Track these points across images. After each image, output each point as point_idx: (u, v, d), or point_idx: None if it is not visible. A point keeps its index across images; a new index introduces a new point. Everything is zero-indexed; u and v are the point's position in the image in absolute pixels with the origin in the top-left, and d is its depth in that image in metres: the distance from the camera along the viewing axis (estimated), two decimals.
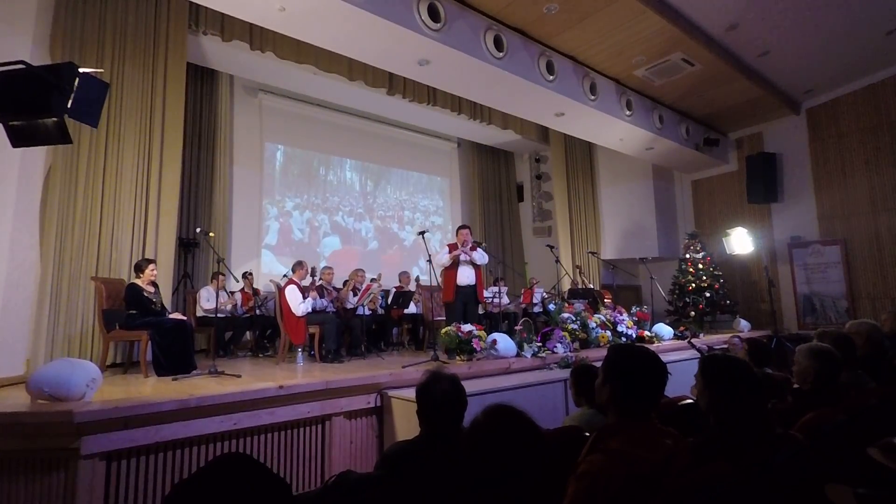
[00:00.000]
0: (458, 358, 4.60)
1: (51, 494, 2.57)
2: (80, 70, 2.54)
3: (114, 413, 2.68)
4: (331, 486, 1.36)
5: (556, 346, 4.99)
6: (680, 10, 5.82)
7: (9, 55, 2.64)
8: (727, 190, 9.46)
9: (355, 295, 6.14)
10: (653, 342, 6.15)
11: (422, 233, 5.39)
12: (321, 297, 5.74)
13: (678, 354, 5.49)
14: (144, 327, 4.26)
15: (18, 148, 2.64)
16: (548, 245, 8.02)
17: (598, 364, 1.71)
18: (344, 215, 9.16)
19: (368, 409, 3.65)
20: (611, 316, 6.17)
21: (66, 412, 2.58)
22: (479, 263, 5.64)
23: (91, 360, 3.95)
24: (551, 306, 6.21)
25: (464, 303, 5.49)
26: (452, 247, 5.63)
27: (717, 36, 6.41)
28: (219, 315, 5.59)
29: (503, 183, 11.51)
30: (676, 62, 6.74)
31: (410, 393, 3.23)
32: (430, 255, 5.20)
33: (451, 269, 5.54)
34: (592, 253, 9.21)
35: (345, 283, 6.60)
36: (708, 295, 8.37)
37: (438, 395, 1.86)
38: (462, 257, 5.54)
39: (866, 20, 6.18)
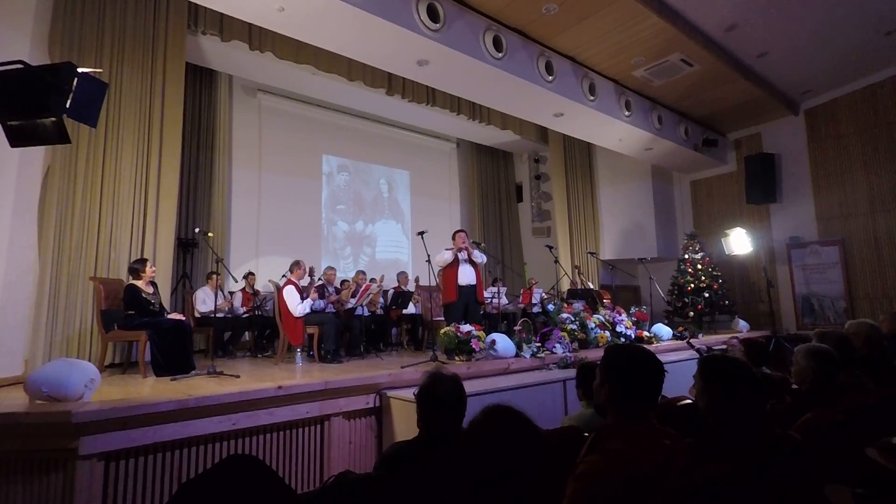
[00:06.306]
0: (457, 358, 4.60)
1: (49, 495, 2.56)
2: (79, 70, 2.54)
3: (112, 413, 2.67)
4: (330, 487, 1.36)
5: (554, 347, 4.99)
6: (679, 10, 5.83)
7: (7, 55, 2.63)
8: (726, 190, 9.47)
9: (355, 297, 6.13)
10: (651, 342, 6.15)
11: (421, 233, 5.39)
12: (321, 297, 5.74)
13: (677, 355, 5.49)
14: (143, 327, 4.25)
15: (17, 148, 2.63)
16: (547, 245, 8.02)
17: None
18: (343, 223, 9.14)
19: (367, 409, 3.65)
20: (610, 316, 6.17)
21: (64, 412, 2.57)
22: (478, 261, 5.66)
23: (89, 361, 3.95)
24: (550, 306, 6.20)
25: (465, 303, 5.49)
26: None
27: (716, 36, 6.42)
28: (217, 315, 5.59)
29: (502, 183, 11.51)
30: (675, 63, 6.75)
31: (409, 393, 3.24)
32: (428, 256, 5.20)
33: (452, 269, 5.54)
34: (591, 253, 9.21)
35: (343, 282, 6.60)
36: (707, 295, 8.38)
37: (440, 396, 1.85)
38: (462, 256, 5.55)
39: (865, 21, 6.20)
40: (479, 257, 5.68)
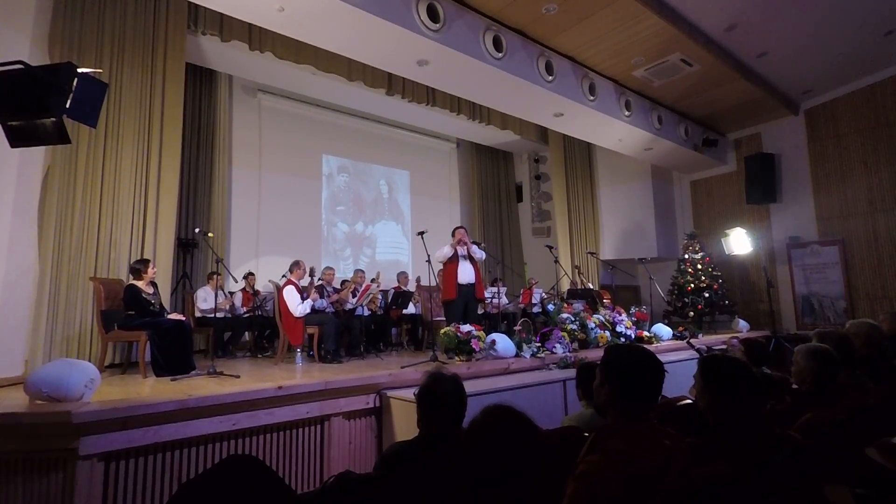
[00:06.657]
0: (456, 358, 4.60)
1: (49, 495, 2.56)
2: (79, 70, 2.54)
3: (112, 413, 2.67)
4: (330, 487, 1.36)
5: (554, 347, 4.99)
6: (678, 10, 5.83)
7: (7, 55, 2.63)
8: (726, 190, 9.47)
9: (354, 296, 6.14)
10: (651, 342, 6.15)
11: (421, 233, 5.39)
12: (321, 297, 5.74)
13: (677, 355, 5.49)
14: (143, 327, 4.25)
15: (17, 148, 2.63)
16: (547, 245, 8.02)
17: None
18: (343, 224, 9.13)
19: (367, 409, 3.65)
20: (610, 316, 6.16)
21: (64, 413, 2.57)
22: (477, 257, 5.67)
23: (89, 361, 3.95)
24: (550, 306, 6.21)
25: (465, 301, 5.50)
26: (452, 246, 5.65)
27: (716, 36, 6.42)
28: (217, 315, 5.59)
29: (502, 183, 11.52)
30: (675, 63, 6.75)
31: (409, 393, 3.24)
32: (428, 256, 5.20)
33: (452, 266, 5.55)
34: (591, 253, 9.21)
35: (343, 282, 6.61)
36: (707, 295, 8.38)
37: (440, 396, 1.86)
38: (461, 251, 5.55)
39: (865, 21, 6.19)
40: (479, 253, 5.69)
